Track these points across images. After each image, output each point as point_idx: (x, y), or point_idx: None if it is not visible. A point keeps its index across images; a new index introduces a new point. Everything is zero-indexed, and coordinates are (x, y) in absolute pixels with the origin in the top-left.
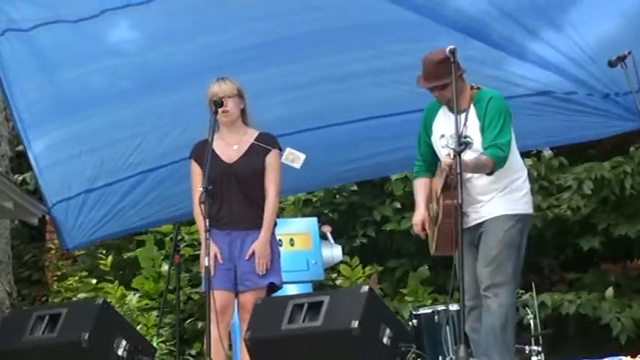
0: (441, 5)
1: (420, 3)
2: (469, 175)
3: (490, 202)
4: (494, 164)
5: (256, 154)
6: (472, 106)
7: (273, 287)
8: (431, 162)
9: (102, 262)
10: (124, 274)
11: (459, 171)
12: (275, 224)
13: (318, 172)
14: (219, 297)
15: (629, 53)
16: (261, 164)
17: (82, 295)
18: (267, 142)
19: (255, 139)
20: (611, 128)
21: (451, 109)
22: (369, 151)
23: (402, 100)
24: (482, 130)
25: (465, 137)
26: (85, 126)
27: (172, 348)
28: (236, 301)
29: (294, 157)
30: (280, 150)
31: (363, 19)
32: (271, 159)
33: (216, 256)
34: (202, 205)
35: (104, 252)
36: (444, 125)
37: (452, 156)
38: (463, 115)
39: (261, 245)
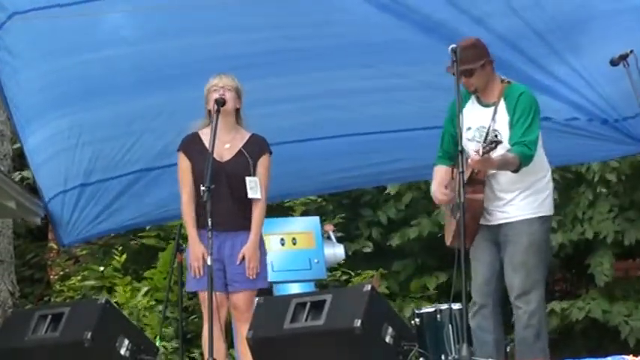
0: (440, 26)
1: (421, 22)
2: (493, 170)
3: (514, 201)
4: (520, 162)
5: (248, 155)
6: (502, 100)
7: (262, 290)
8: (453, 154)
9: (115, 258)
10: (129, 275)
11: (460, 170)
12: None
13: (314, 179)
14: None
15: (631, 52)
16: (252, 166)
17: (89, 282)
18: (258, 145)
19: (248, 140)
20: (612, 152)
21: (480, 101)
22: (365, 162)
23: (399, 118)
24: (511, 125)
25: (495, 132)
26: (81, 118)
27: (177, 346)
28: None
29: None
30: (270, 153)
31: (363, 37)
32: (263, 162)
33: (203, 257)
34: (206, 204)
35: (118, 249)
36: (470, 118)
37: (480, 153)
38: (492, 109)
39: (251, 249)
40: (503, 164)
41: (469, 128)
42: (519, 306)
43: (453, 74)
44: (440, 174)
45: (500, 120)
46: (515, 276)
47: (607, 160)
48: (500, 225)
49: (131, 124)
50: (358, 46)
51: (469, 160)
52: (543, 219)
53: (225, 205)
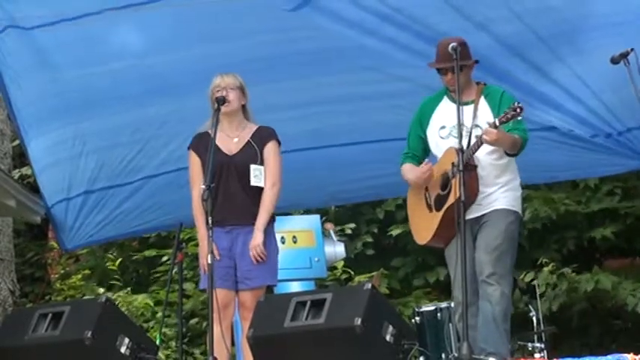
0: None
1: (422, 32)
2: (498, 147)
3: (494, 194)
4: (521, 144)
5: (256, 145)
6: (482, 98)
7: (270, 287)
8: (420, 156)
9: (110, 263)
10: (129, 275)
11: (461, 168)
12: (274, 219)
13: (319, 191)
14: (219, 295)
15: (631, 50)
16: (260, 155)
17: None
18: (266, 134)
19: (255, 132)
20: (616, 167)
21: (455, 99)
22: (370, 173)
23: (403, 125)
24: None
25: (479, 127)
26: (86, 127)
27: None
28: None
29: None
30: (279, 143)
31: (367, 41)
32: (269, 149)
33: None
34: (204, 203)
35: (114, 254)
36: (445, 116)
37: (497, 123)
38: (471, 107)
39: (255, 234)
40: (511, 142)
41: (443, 127)
42: (490, 283)
43: (438, 70)
44: (410, 167)
45: (482, 116)
46: (488, 257)
47: (611, 175)
48: (477, 217)
49: (136, 133)
50: (361, 51)
51: (484, 133)
52: (517, 214)
53: (237, 199)
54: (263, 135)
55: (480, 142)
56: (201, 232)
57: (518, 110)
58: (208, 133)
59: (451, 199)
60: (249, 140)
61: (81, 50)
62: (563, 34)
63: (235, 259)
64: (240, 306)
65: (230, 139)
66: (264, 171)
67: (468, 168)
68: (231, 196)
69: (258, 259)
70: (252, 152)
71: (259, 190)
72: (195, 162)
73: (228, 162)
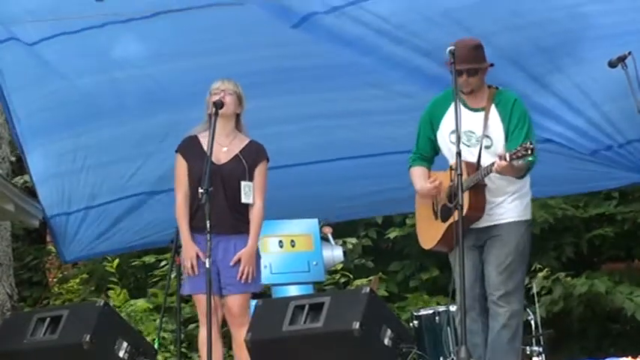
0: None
1: (420, 45)
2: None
3: (503, 204)
4: (528, 169)
5: (244, 160)
6: (493, 106)
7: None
8: (429, 157)
9: (108, 265)
10: (127, 278)
11: (459, 172)
12: None
13: (317, 206)
14: (204, 300)
15: (629, 53)
16: (247, 171)
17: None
18: (256, 151)
19: (245, 146)
20: (617, 180)
21: (466, 104)
22: (371, 189)
23: (404, 139)
24: (509, 132)
25: (490, 138)
26: (86, 141)
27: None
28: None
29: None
30: (268, 160)
31: (368, 56)
32: (259, 169)
33: (197, 256)
34: (203, 206)
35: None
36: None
37: (507, 158)
38: (482, 114)
39: (248, 255)
40: (518, 169)
41: (454, 132)
42: (501, 305)
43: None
44: (420, 173)
45: (493, 126)
46: (499, 276)
47: (613, 189)
48: (486, 227)
49: (137, 147)
50: (362, 67)
51: (495, 165)
52: (528, 222)
53: (219, 208)
54: (253, 152)
55: (490, 170)
56: (185, 236)
57: (529, 152)
58: (197, 137)
59: (466, 212)
60: (238, 154)
61: (81, 62)
62: (563, 46)
63: (217, 265)
64: (226, 312)
65: (219, 147)
66: (252, 187)
67: (477, 187)
68: (214, 205)
69: (247, 279)
70: (241, 167)
71: (240, 202)
72: (181, 165)
73: (215, 171)
